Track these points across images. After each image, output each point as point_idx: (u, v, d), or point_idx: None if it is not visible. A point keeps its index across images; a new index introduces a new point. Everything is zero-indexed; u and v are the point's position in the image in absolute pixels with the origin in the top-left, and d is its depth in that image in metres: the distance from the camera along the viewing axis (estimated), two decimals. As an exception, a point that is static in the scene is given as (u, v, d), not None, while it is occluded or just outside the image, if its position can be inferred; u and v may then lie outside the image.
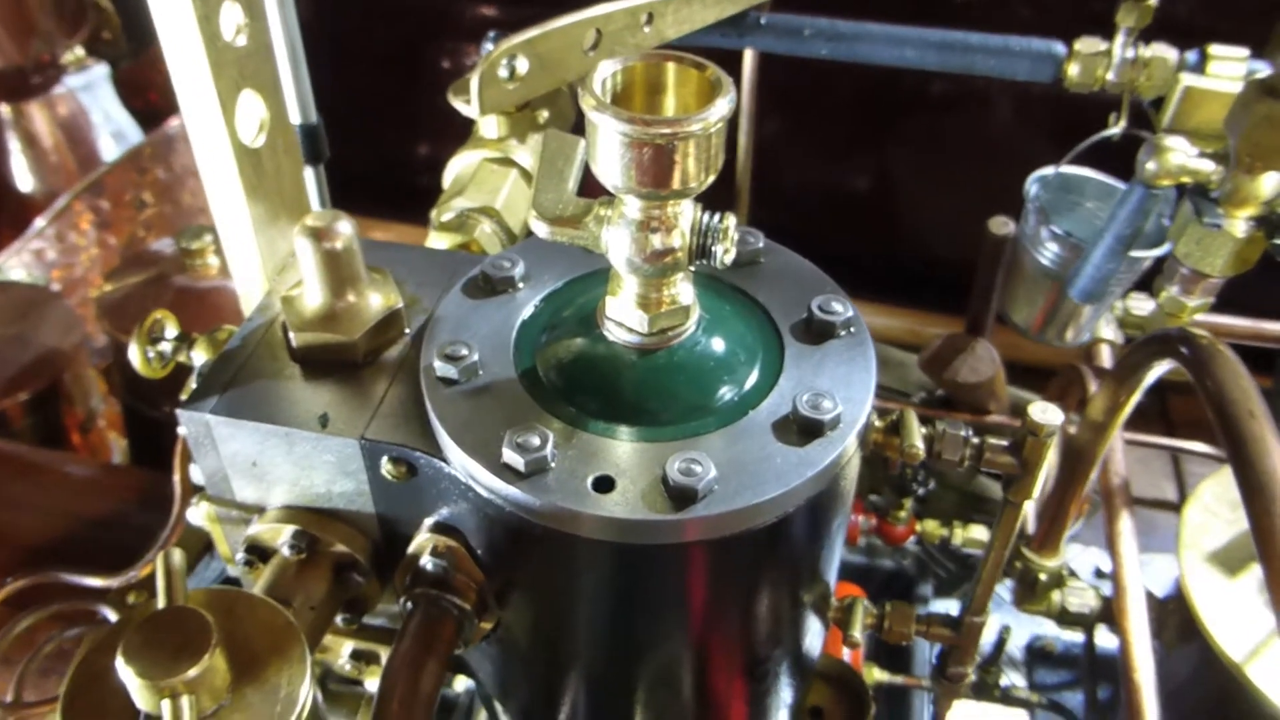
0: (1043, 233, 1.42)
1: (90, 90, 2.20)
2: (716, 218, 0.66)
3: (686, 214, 0.65)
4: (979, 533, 1.60)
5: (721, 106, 0.60)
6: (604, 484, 0.65)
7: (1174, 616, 1.46)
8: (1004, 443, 0.75)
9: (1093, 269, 1.30)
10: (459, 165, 1.08)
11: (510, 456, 0.65)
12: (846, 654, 1.48)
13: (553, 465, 0.65)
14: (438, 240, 1.02)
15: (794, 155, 2.63)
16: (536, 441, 0.65)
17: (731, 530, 0.65)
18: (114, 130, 2.24)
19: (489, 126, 1.06)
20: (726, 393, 0.71)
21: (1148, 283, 1.49)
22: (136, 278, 1.69)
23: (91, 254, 2.16)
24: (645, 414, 0.69)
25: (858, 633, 0.85)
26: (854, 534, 1.62)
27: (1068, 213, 1.55)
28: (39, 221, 2.11)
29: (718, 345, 0.72)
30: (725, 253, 0.66)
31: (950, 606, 2.01)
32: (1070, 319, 1.50)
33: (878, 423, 0.75)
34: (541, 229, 0.67)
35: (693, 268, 0.68)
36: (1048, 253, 1.43)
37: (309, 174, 0.98)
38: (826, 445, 0.67)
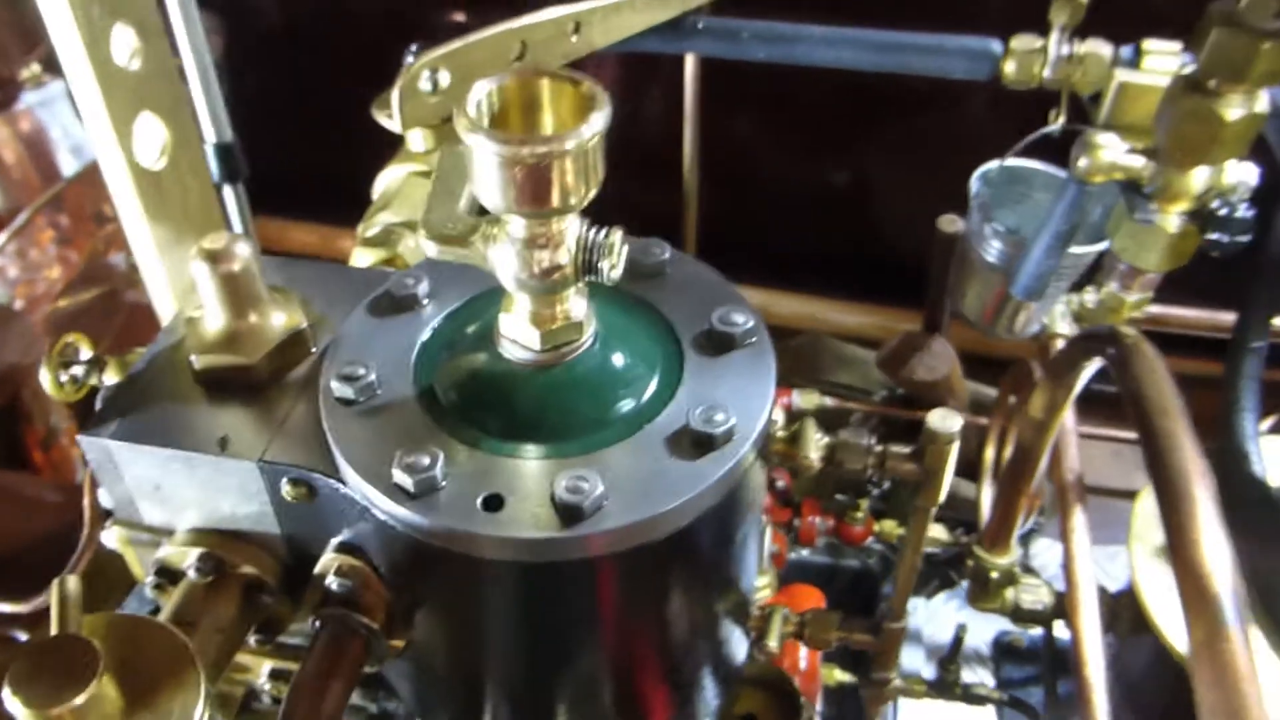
0: (986, 229, 1.42)
1: (48, 106, 2.19)
2: (603, 233, 0.66)
3: (572, 230, 0.65)
4: (938, 531, 1.61)
5: (596, 122, 0.60)
6: (493, 503, 0.65)
7: (1126, 610, 1.46)
8: (906, 450, 0.75)
9: (1032, 265, 1.30)
10: (386, 179, 1.08)
11: (400, 477, 0.65)
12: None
13: (443, 485, 0.65)
14: (363, 255, 1.02)
15: (765, 152, 2.63)
16: (426, 461, 0.65)
17: (625, 546, 0.65)
18: (72, 146, 2.23)
19: (416, 140, 1.06)
20: (624, 407, 0.71)
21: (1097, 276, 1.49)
22: (89, 294, 1.69)
23: (53, 270, 2.16)
24: (541, 431, 0.69)
25: (774, 641, 0.85)
26: (811, 535, 1.62)
27: (1016, 205, 1.55)
28: (-1, 238, 2.10)
29: (615, 359, 0.72)
30: (612, 268, 0.66)
31: (917, 603, 2.02)
32: (1017, 312, 1.50)
33: (780, 432, 0.75)
34: (430, 248, 0.67)
35: (581, 284, 0.68)
36: (992, 248, 1.43)
37: (227, 192, 0.98)
38: (719, 458, 0.67)
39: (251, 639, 0.81)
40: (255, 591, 0.78)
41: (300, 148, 2.64)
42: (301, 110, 2.71)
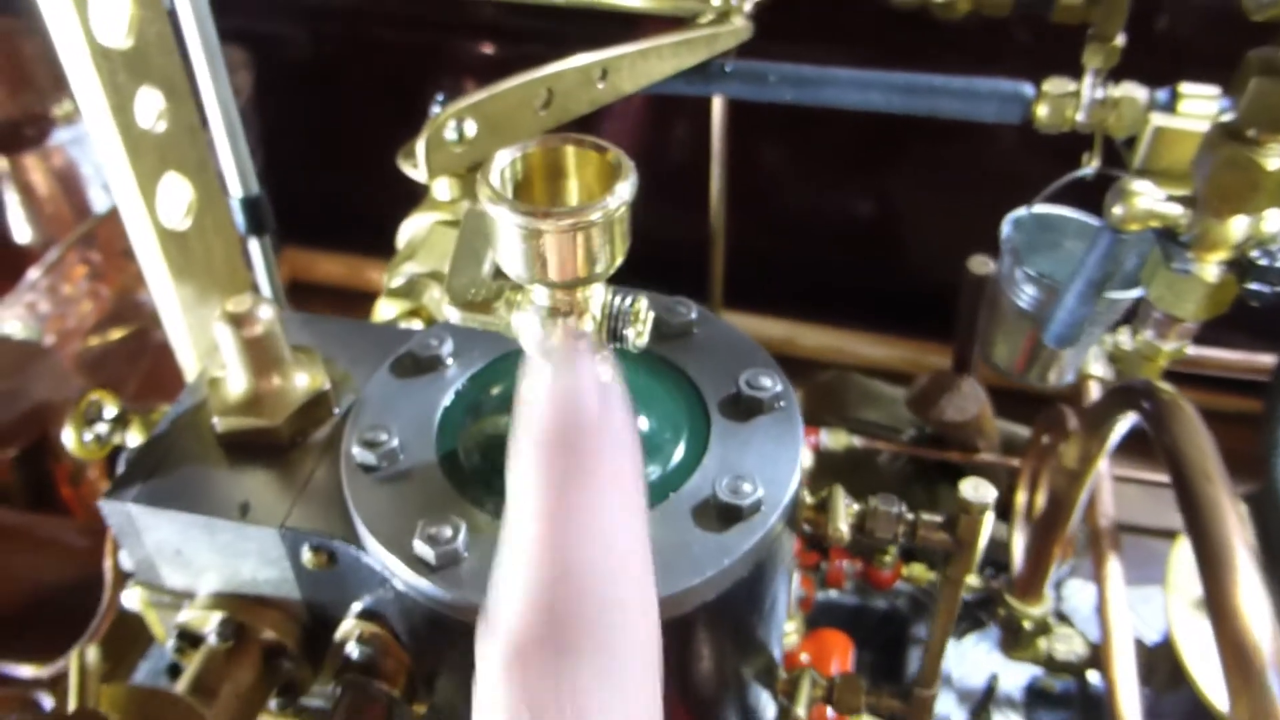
0: (1017, 274, 1.40)
1: (80, 143, 2.22)
2: (628, 300, 0.65)
3: (596, 297, 0.64)
4: (969, 577, 1.58)
5: (623, 192, 0.59)
6: (516, 575, 0.63)
7: (1164, 662, 1.43)
8: (938, 519, 0.73)
9: (1065, 314, 1.28)
10: (411, 228, 1.08)
11: (421, 549, 0.64)
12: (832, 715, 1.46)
13: (465, 556, 0.64)
14: (387, 306, 1.01)
15: (792, 182, 2.62)
16: (449, 533, 0.64)
17: (649, 620, 0.64)
18: (104, 182, 2.25)
19: (441, 189, 1.05)
20: (650, 474, 0.69)
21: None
22: (118, 333, 1.70)
23: (84, 305, 2.18)
24: (565, 499, 0.68)
25: (802, 709, 0.83)
26: (839, 579, 1.59)
27: (1049, 252, 1.52)
28: (32, 273, 2.12)
29: (641, 425, 0.71)
30: (638, 335, 0.65)
31: (949, 647, 1.98)
32: (1051, 361, 1.47)
33: (809, 500, 0.74)
34: (453, 314, 0.67)
35: (606, 351, 0.66)
36: (1024, 295, 1.41)
37: (253, 245, 0.98)
38: (747, 531, 0.66)
39: (272, 702, 0.80)
40: (276, 656, 0.77)
41: (329, 178, 2.65)
42: (330, 140, 2.73)
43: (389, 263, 1.07)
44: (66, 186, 2.33)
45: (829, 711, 1.34)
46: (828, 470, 1.84)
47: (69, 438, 0.82)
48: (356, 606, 0.74)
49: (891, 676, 1.95)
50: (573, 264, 0.59)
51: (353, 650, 0.72)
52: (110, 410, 0.84)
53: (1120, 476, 1.80)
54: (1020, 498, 1.61)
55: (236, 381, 0.75)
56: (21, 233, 2.34)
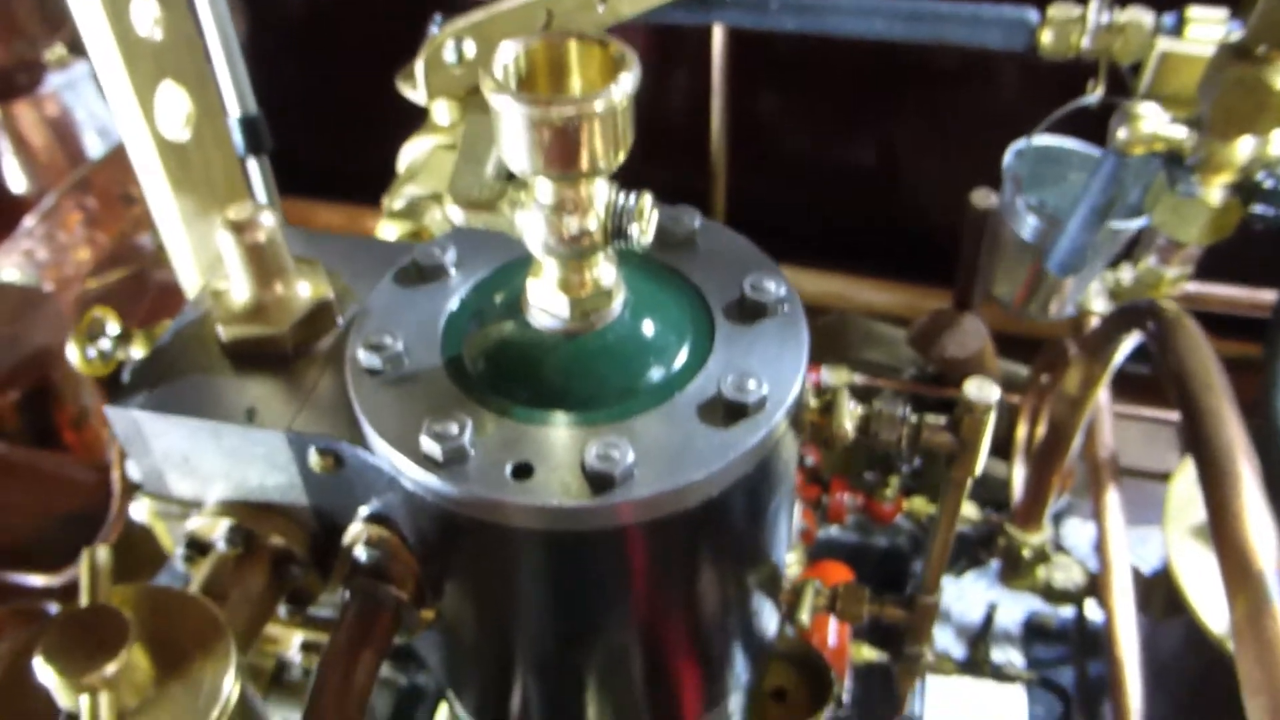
0: (1019, 205, 1.40)
1: (73, 88, 2.20)
2: (632, 198, 0.64)
3: (600, 194, 0.64)
4: (969, 509, 1.59)
5: (625, 83, 0.58)
6: (523, 471, 0.64)
7: (1160, 591, 1.44)
8: (941, 421, 0.73)
9: (1069, 241, 1.28)
10: (411, 152, 1.07)
11: (428, 445, 0.64)
12: (834, 632, 1.47)
13: (472, 453, 0.65)
14: (389, 228, 1.01)
15: (793, 127, 2.61)
16: (455, 429, 0.64)
17: (655, 515, 0.65)
18: (98, 127, 2.24)
19: (440, 112, 1.05)
20: (654, 375, 0.70)
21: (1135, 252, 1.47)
22: (117, 274, 1.70)
23: (81, 252, 2.17)
24: (570, 399, 0.68)
25: (805, 614, 0.84)
26: (840, 513, 1.60)
27: (1052, 185, 1.52)
28: (27, 221, 2.11)
29: (645, 328, 0.71)
30: (642, 233, 0.65)
31: (945, 581, 2.00)
32: (1052, 293, 1.47)
33: (813, 403, 0.74)
34: (457, 214, 0.67)
35: (611, 250, 0.67)
36: (1026, 225, 1.41)
37: (252, 165, 0.98)
38: (751, 427, 0.66)
39: (281, 610, 0.81)
40: (284, 563, 0.78)
41: (327, 128, 2.64)
42: (327, 91, 2.71)
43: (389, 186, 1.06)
44: (60, 134, 2.32)
45: (830, 631, 1.36)
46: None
47: (73, 353, 0.82)
48: (364, 511, 0.74)
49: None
50: (576, 155, 0.59)
51: (361, 554, 0.73)
52: (113, 328, 0.84)
53: (1120, 414, 1.81)
54: (1021, 432, 1.62)
55: (240, 291, 0.75)
56: (16, 181, 2.33)
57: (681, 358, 0.71)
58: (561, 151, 0.59)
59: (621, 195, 0.64)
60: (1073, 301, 1.47)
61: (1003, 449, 1.78)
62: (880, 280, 2.69)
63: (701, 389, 0.68)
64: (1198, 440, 0.82)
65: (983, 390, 0.70)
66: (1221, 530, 0.76)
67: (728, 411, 0.66)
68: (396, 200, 1.02)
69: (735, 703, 0.90)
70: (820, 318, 2.17)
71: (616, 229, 0.64)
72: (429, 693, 1.17)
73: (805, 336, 0.72)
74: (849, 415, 0.72)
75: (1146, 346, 1.12)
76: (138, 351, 0.83)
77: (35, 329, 1.88)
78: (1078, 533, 1.93)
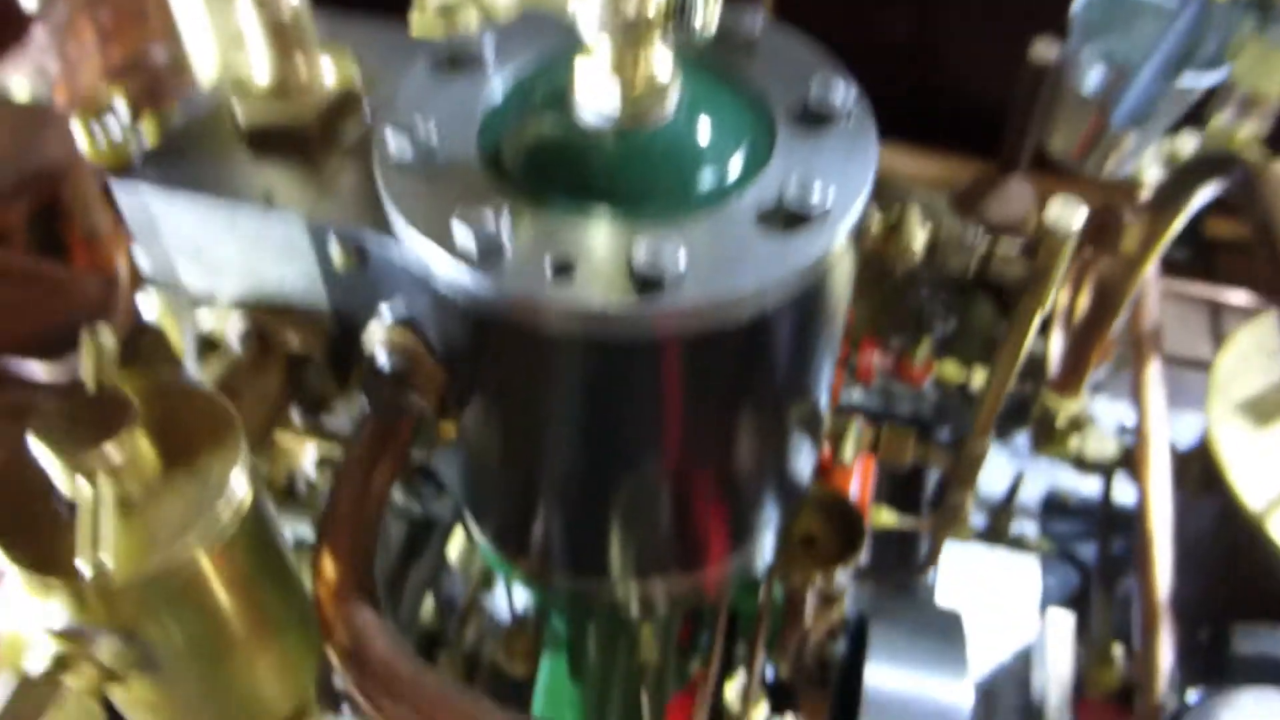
0: (1085, 54, 1.31)
1: (87, -110, 2.08)
2: (697, -23, 0.58)
3: (663, -31, 0.57)
4: (999, 377, 1.54)
5: None
6: (564, 267, 0.59)
7: (1196, 466, 1.40)
8: (1014, 249, 0.67)
9: (1141, 90, 1.20)
10: (446, -52, 0.99)
11: (462, 235, 0.59)
12: (855, 492, 1.45)
13: (508, 246, 0.59)
14: (420, 25, 0.94)
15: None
16: (490, 219, 0.59)
17: (704, 326, 0.60)
18: (113, -66, 2.13)
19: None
20: (708, 178, 0.64)
21: (1193, 121, 1.38)
22: (128, 84, 1.62)
23: (94, 66, 2.09)
24: (617, 197, 0.63)
25: (850, 450, 0.80)
26: (868, 372, 1.56)
27: (1119, 34, 1.43)
28: (39, 33, 2.02)
29: (701, 127, 0.65)
30: (705, 22, 0.58)
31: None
32: (1111, 148, 1.39)
33: (876, 222, 0.68)
34: (505, -16, 0.60)
35: (668, 35, 0.60)
36: (1091, 76, 1.32)
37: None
38: (813, 237, 0.60)
39: (296, 418, 0.77)
40: (301, 366, 0.73)
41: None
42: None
43: None
44: (74, -57, 2.20)
45: (851, 489, 1.33)
46: (862, 283, 1.78)
47: (78, 133, 0.76)
48: (387, 314, 0.69)
49: (911, 481, 1.94)
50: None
51: (382, 360, 0.68)
52: (121, 107, 0.77)
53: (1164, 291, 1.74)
54: (1062, 299, 1.56)
55: (262, 72, 0.69)
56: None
57: (739, 162, 0.65)
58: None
59: (684, -30, 0.58)
60: (1132, 159, 1.39)
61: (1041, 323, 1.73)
62: (918, 149, 2.59)
63: (760, 195, 0.62)
64: (1281, 291, 0.77)
65: (1065, 213, 0.64)
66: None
67: (788, 219, 0.61)
68: (427, 5, 0.94)
69: (764, 543, 0.87)
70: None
71: (679, 10, 0.58)
72: (443, 522, 1.14)
73: (874, 146, 0.66)
74: (917, 236, 0.66)
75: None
76: (148, 134, 0.76)
77: (46, 144, 1.82)
78: (1106, 410, 1.89)
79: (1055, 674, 1.34)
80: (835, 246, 0.61)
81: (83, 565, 0.54)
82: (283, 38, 0.68)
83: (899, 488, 1.89)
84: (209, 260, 0.70)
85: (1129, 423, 1.66)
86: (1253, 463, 1.28)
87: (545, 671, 1.04)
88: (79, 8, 2.08)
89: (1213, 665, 1.05)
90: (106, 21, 2.08)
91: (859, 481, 1.44)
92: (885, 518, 1.55)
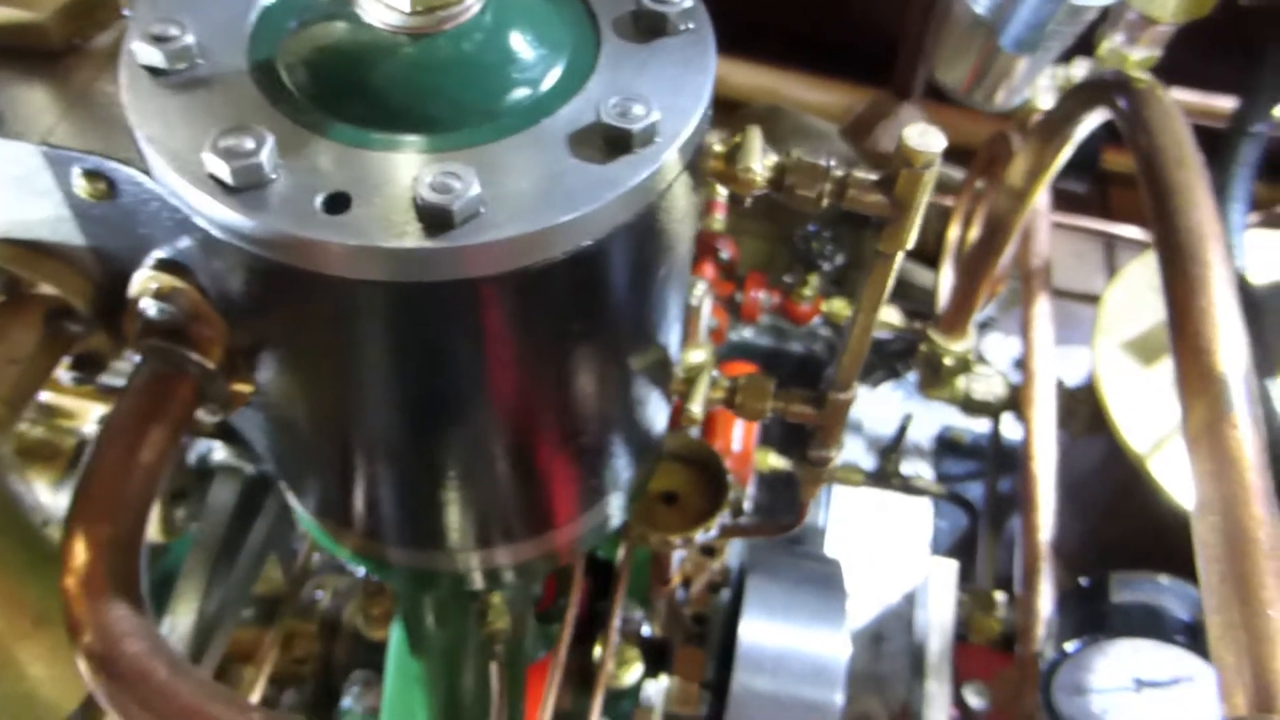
0: (977, -27, 1.24)
1: None
2: None
3: None
4: (891, 315, 1.49)
5: None
6: (338, 203, 0.50)
7: (1083, 406, 1.37)
8: (872, 176, 0.60)
9: (1028, 12, 1.13)
10: None
11: (215, 165, 0.49)
12: (739, 437, 1.38)
13: (273, 178, 0.50)
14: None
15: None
16: (250, 145, 0.49)
17: (512, 265, 0.51)
18: None
19: None
20: (516, 96, 0.55)
21: (1088, 49, 1.33)
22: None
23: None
24: (408, 119, 0.54)
25: (698, 406, 0.72)
26: (754, 311, 1.50)
27: (1011, -43, 1.36)
28: None
29: (508, 34, 0.56)
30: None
31: (860, 391, 1.93)
32: (1002, 77, 1.33)
33: (717, 147, 0.60)
34: None
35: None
36: (980, -2, 1.25)
37: None
38: (636, 163, 0.52)
39: (66, 375, 0.67)
40: (61, 317, 0.63)
41: None
42: None
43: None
44: None
45: (735, 434, 1.27)
46: (745, 219, 1.71)
47: None
48: (152, 256, 0.59)
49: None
50: None
51: (149, 308, 0.59)
52: None
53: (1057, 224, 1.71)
54: (952, 233, 1.51)
55: (-11, -40, 0.58)
56: None
57: (555, 76, 0.56)
58: None
59: None
60: (1022, 88, 1.34)
61: (930, 257, 1.68)
62: (815, 77, 2.51)
63: (576, 114, 0.54)
64: (1163, 223, 0.71)
65: (925, 138, 0.57)
66: (1183, 325, 0.66)
67: (608, 142, 0.52)
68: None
69: (615, 503, 0.79)
70: (746, 107, 2.01)
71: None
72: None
73: (712, 60, 0.58)
74: (759, 158, 0.59)
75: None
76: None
77: None
78: (999, 347, 1.86)
79: (937, 621, 1.31)
80: (662, 172, 0.53)
81: None
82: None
83: (791, 428, 1.85)
84: (-62, 193, 0.60)
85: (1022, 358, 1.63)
86: (1137, 402, 1.25)
87: (394, 641, 0.96)
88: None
89: (1093, 614, 1.02)
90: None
91: (743, 427, 1.38)
92: (773, 461, 1.50)
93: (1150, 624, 0.99)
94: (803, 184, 0.59)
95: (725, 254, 1.42)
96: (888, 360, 1.85)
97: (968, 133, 1.94)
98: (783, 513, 1.70)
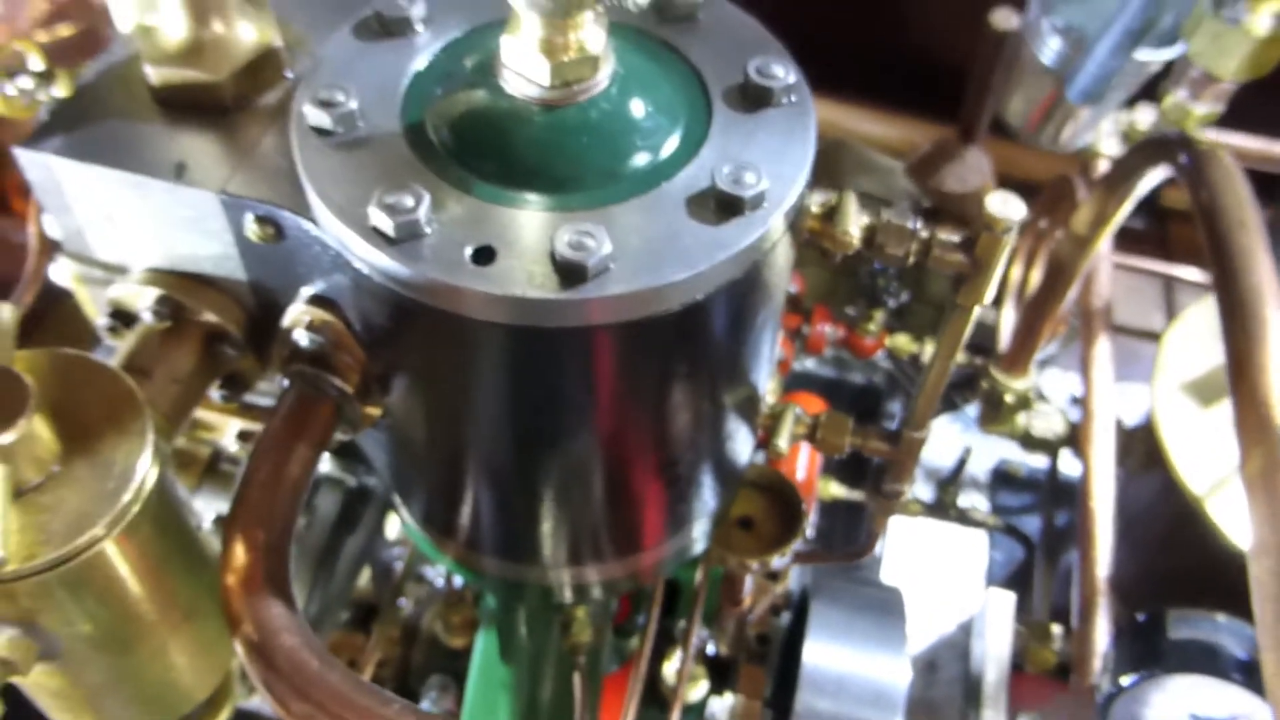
0: (1044, 25, 1.29)
1: None
2: (630, -54, 0.55)
3: (594, -62, 0.54)
4: (951, 350, 1.53)
5: None
6: (484, 255, 0.56)
7: (1141, 444, 1.41)
8: (955, 238, 0.66)
9: (1095, 66, 1.18)
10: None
11: (379, 219, 0.56)
12: (803, 466, 1.44)
13: (428, 231, 0.57)
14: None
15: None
16: (410, 202, 0.56)
17: (627, 316, 0.58)
18: None
19: None
20: (639, 161, 0.61)
21: (1153, 93, 1.37)
22: (67, 30, 1.56)
23: (38, 6, 2.01)
24: (543, 178, 0.60)
25: (784, 441, 0.78)
26: (820, 344, 1.55)
27: (1078, 6, 1.41)
28: (-27, -31, 1.95)
29: (633, 106, 0.62)
30: (639, -10, 0.55)
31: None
32: (1066, 120, 1.38)
33: (814, 207, 0.66)
34: (426, -50, 0.57)
35: (602, 6, 0.57)
36: (1049, 47, 1.30)
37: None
38: (746, 225, 0.58)
39: (216, 395, 0.74)
40: (217, 342, 0.70)
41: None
42: None
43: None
44: (12, -124, 2.12)
45: (800, 463, 1.32)
46: (812, 257, 1.76)
47: (-11, 91, 0.73)
48: (306, 291, 0.66)
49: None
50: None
51: (301, 338, 0.66)
52: (35, 63, 0.74)
53: (1117, 264, 1.74)
54: (1015, 274, 1.56)
55: (174, 27, 0.65)
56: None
57: (673, 143, 0.63)
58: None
59: (618, -59, 0.55)
60: (1086, 133, 1.38)
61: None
62: (874, 108, 2.56)
63: (692, 179, 0.60)
64: (1225, 280, 0.76)
65: (1006, 205, 0.62)
66: (1242, 379, 0.71)
67: (720, 206, 0.59)
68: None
69: (699, 529, 0.85)
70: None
71: (612, -20, 0.55)
72: (378, 494, 1.12)
73: (813, 130, 0.64)
74: (855, 220, 0.65)
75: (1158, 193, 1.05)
76: (61, 92, 0.73)
77: (-20, 88, 1.75)
78: (1057, 382, 1.90)
79: (994, 651, 1.35)
80: (769, 235, 0.59)
81: (-29, 557, 0.52)
82: (198, -6, 0.65)
83: (850, 458, 1.90)
84: (119, 231, 0.67)
85: (1080, 394, 1.67)
86: (1195, 444, 1.28)
87: (480, 648, 1.02)
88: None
89: (1150, 649, 1.06)
90: (44, -41, 2.00)
91: (807, 456, 1.43)
92: (835, 490, 1.55)
93: (1207, 661, 1.03)
94: (891, 244, 0.65)
95: (793, 288, 1.47)
96: (946, 392, 1.88)
97: (1031, 168, 1.98)
98: (841, 539, 1.75)
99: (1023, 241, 1.57)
